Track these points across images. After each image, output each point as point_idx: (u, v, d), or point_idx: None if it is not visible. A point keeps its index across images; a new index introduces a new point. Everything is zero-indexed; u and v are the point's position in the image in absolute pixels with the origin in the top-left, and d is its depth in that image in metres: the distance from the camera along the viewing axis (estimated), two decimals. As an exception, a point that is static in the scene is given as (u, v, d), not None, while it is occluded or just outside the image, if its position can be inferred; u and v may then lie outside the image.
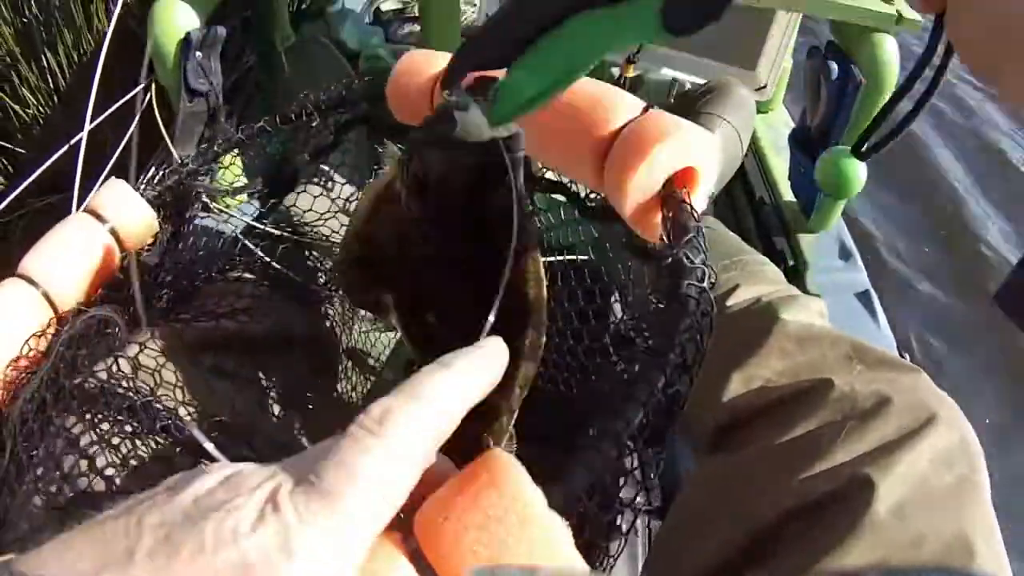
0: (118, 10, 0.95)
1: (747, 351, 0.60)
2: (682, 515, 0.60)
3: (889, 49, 0.89)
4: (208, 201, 0.66)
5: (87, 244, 0.49)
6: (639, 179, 0.36)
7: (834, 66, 0.92)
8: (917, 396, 0.52)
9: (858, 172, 0.85)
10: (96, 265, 0.49)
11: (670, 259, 0.33)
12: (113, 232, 0.50)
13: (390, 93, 0.52)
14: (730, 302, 0.67)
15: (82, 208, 0.52)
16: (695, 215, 0.35)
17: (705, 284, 0.33)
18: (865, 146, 0.60)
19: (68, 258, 0.48)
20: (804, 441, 0.53)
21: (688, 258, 0.33)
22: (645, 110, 0.39)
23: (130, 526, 0.21)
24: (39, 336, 0.43)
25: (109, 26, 0.95)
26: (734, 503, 0.54)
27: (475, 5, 1.35)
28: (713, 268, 0.34)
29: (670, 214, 0.36)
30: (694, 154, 0.37)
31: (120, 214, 0.51)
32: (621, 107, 0.39)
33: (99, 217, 0.50)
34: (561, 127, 0.40)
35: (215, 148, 0.58)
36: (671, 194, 0.37)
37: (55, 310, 0.46)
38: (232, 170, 0.72)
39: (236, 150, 0.64)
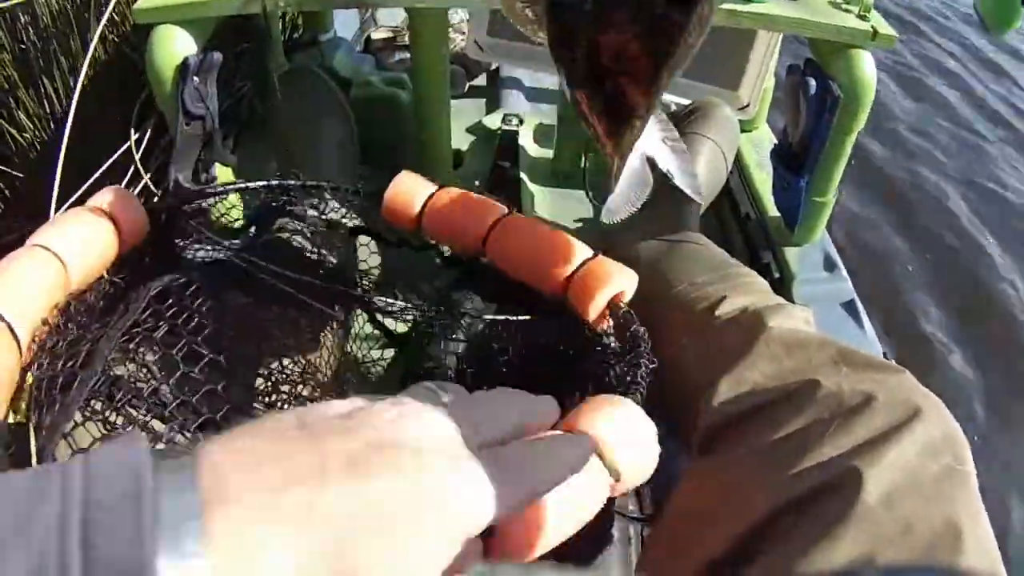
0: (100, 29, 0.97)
1: (735, 357, 0.62)
2: (674, 515, 0.61)
3: (865, 64, 0.91)
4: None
5: (93, 231, 0.58)
6: (596, 304, 0.60)
7: (812, 82, 0.94)
8: (902, 393, 0.54)
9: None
10: (101, 249, 0.58)
11: (629, 339, 0.57)
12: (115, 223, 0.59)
13: (386, 211, 0.69)
14: (718, 312, 0.69)
15: (85, 206, 0.60)
16: (631, 314, 0.58)
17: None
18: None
19: (79, 235, 0.56)
20: (793, 438, 0.55)
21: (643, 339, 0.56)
22: (595, 255, 0.62)
23: (314, 446, 0.23)
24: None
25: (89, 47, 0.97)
26: (726, 502, 0.55)
27: (463, 33, 1.38)
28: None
29: (617, 317, 0.60)
30: (625, 284, 0.61)
31: (117, 212, 0.60)
32: (576, 254, 0.62)
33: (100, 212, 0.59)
34: (532, 263, 0.64)
35: (211, 189, 0.69)
36: (614, 304, 0.60)
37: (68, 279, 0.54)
38: (234, 212, 0.75)
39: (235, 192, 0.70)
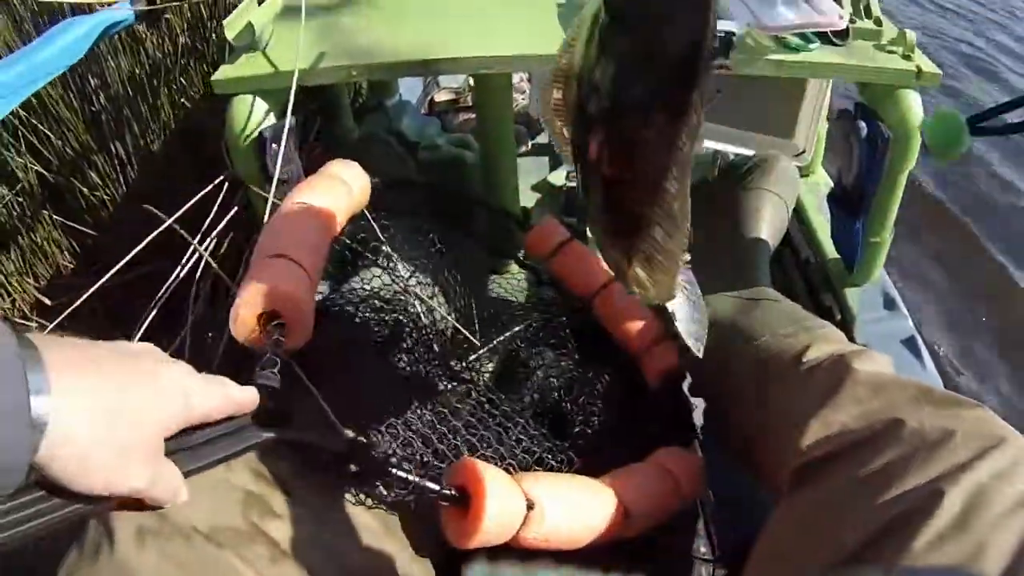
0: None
1: (823, 400, 0.65)
2: (764, 553, 0.64)
3: (912, 103, 0.93)
4: None
5: (340, 190, 0.79)
6: (658, 377, 0.83)
7: (863, 125, 0.97)
8: (982, 426, 0.57)
9: (964, 139, 0.87)
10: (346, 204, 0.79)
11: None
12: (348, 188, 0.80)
13: (528, 245, 0.95)
14: (805, 358, 0.72)
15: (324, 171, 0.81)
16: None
17: None
18: (981, 123, 0.70)
19: (330, 196, 0.77)
20: (879, 474, 0.57)
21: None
22: (663, 337, 0.84)
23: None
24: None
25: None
26: (816, 539, 0.58)
27: (524, 92, 1.43)
28: None
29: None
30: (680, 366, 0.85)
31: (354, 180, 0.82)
32: (654, 332, 0.85)
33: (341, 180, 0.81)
34: (621, 327, 0.86)
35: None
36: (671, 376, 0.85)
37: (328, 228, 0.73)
38: None
39: None
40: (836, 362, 0.69)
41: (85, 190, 1.56)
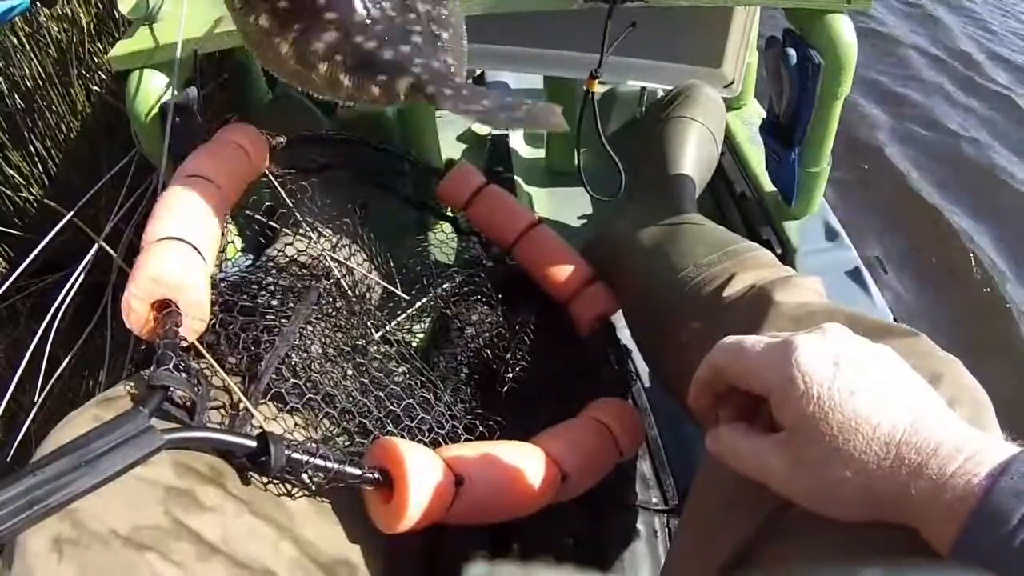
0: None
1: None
2: (695, 502, 0.61)
3: (844, 28, 0.90)
4: None
5: (235, 156, 0.73)
6: (588, 321, 0.83)
7: (792, 52, 0.93)
8: (918, 357, 0.53)
9: None
10: (243, 170, 0.73)
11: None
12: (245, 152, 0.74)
13: (440, 194, 0.89)
14: (726, 292, 0.68)
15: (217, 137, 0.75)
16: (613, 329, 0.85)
17: None
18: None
19: (224, 164, 0.71)
20: None
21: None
22: (593, 280, 0.83)
23: None
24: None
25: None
26: (744, 487, 0.55)
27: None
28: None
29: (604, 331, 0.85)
30: (610, 309, 0.85)
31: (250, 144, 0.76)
32: (580, 275, 0.83)
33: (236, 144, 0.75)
34: (545, 274, 0.83)
35: None
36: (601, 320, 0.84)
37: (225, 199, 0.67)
38: (233, 246, 0.76)
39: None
40: (757, 295, 0.65)
41: (8, 192, 1.50)
